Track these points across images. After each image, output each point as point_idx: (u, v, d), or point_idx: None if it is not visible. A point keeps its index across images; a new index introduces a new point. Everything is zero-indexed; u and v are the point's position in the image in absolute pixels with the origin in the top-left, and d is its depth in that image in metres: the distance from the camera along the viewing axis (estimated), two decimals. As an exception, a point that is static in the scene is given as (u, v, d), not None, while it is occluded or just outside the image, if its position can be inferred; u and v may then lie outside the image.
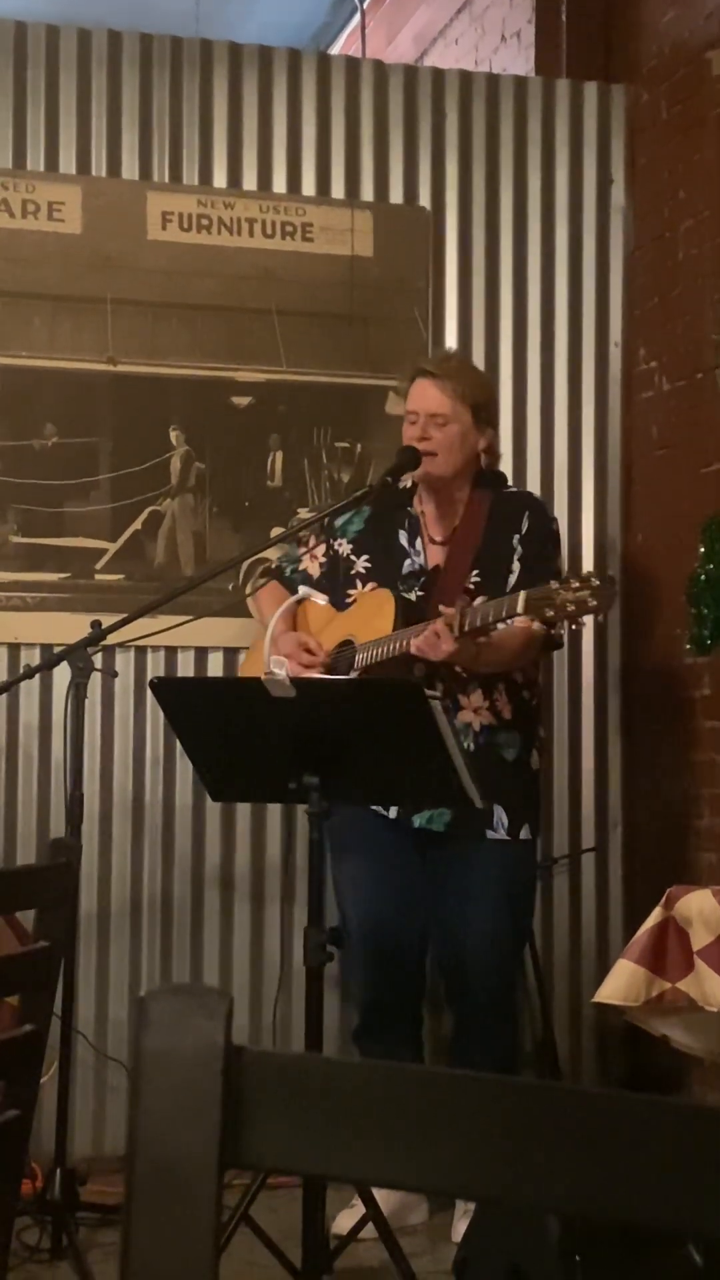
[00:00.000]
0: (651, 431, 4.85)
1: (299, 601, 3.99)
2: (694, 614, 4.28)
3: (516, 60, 5.86)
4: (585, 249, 4.94)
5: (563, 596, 3.43)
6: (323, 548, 4.05)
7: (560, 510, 4.69)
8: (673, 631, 4.51)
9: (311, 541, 4.08)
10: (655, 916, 3.35)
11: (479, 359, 4.76)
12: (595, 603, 3.42)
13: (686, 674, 4.56)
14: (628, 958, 3.36)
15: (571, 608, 3.42)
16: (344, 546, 4.03)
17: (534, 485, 4.71)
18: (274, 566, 4.14)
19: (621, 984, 3.33)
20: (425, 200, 4.84)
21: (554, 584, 3.47)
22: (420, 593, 3.92)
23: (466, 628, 3.56)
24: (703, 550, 4.28)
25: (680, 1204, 0.86)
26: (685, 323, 4.66)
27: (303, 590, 3.99)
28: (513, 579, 3.88)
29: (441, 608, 3.65)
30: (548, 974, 4.63)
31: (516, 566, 3.90)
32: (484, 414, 3.96)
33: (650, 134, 4.91)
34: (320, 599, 3.96)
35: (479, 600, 3.79)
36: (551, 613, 3.44)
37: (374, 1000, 4.01)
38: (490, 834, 3.86)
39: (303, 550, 4.09)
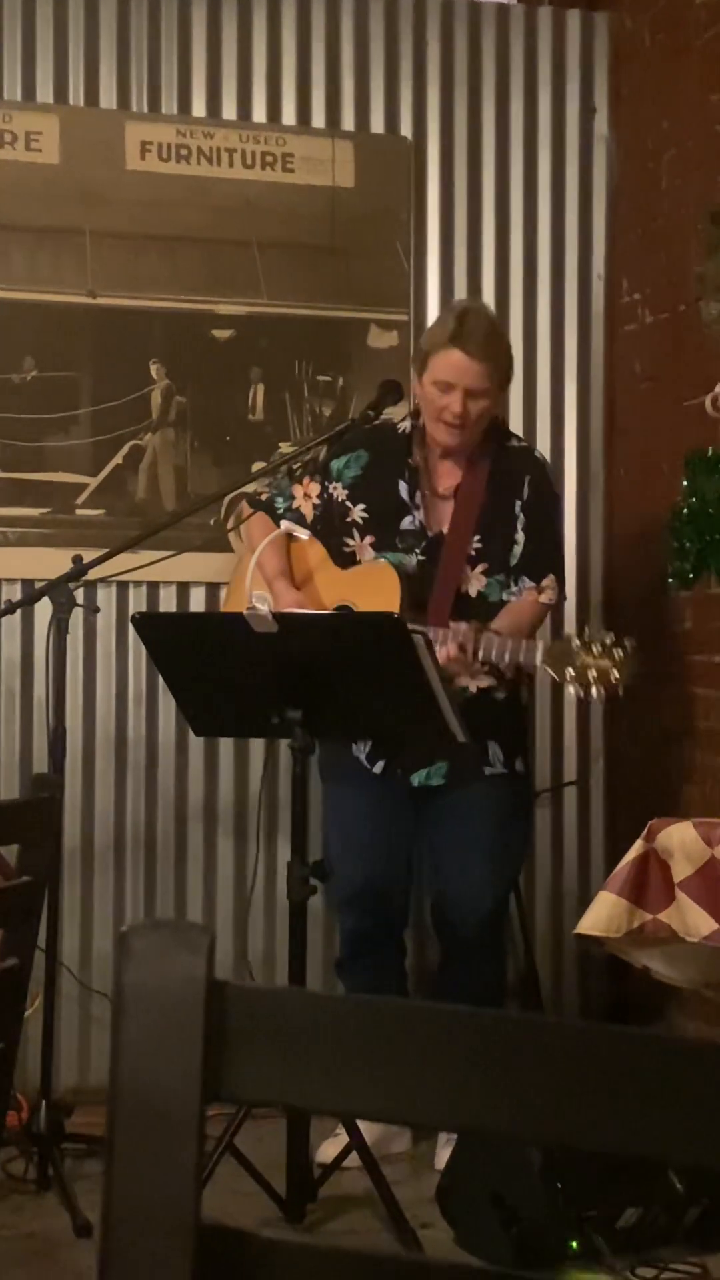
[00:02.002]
0: (634, 364, 4.83)
1: (286, 534, 3.95)
2: (676, 547, 4.28)
3: (499, -13, 5.79)
4: (568, 179, 4.90)
5: (584, 660, 3.46)
6: (317, 488, 3.99)
7: (544, 445, 4.67)
8: (655, 565, 4.51)
9: (306, 481, 3.98)
10: (637, 849, 3.37)
11: (460, 292, 4.73)
12: (618, 676, 3.45)
13: (669, 607, 4.56)
14: (609, 889, 3.38)
15: (593, 674, 3.46)
16: (339, 491, 3.93)
17: (516, 420, 4.69)
18: (264, 499, 4.02)
19: (603, 915, 3.35)
20: (407, 130, 4.79)
21: (576, 642, 3.49)
22: (421, 557, 3.87)
23: (481, 657, 3.61)
24: (685, 483, 4.28)
25: (661, 1133, 0.87)
26: (668, 254, 4.63)
27: (285, 524, 3.93)
28: (517, 550, 3.85)
29: (452, 625, 3.64)
30: (530, 905, 4.65)
31: (520, 537, 3.87)
32: (506, 382, 3.93)
33: (634, 63, 4.86)
34: (303, 533, 3.91)
35: (483, 570, 3.78)
36: (572, 673, 3.46)
37: (357, 930, 4.03)
38: (488, 769, 3.86)
39: (297, 488, 3.99)
